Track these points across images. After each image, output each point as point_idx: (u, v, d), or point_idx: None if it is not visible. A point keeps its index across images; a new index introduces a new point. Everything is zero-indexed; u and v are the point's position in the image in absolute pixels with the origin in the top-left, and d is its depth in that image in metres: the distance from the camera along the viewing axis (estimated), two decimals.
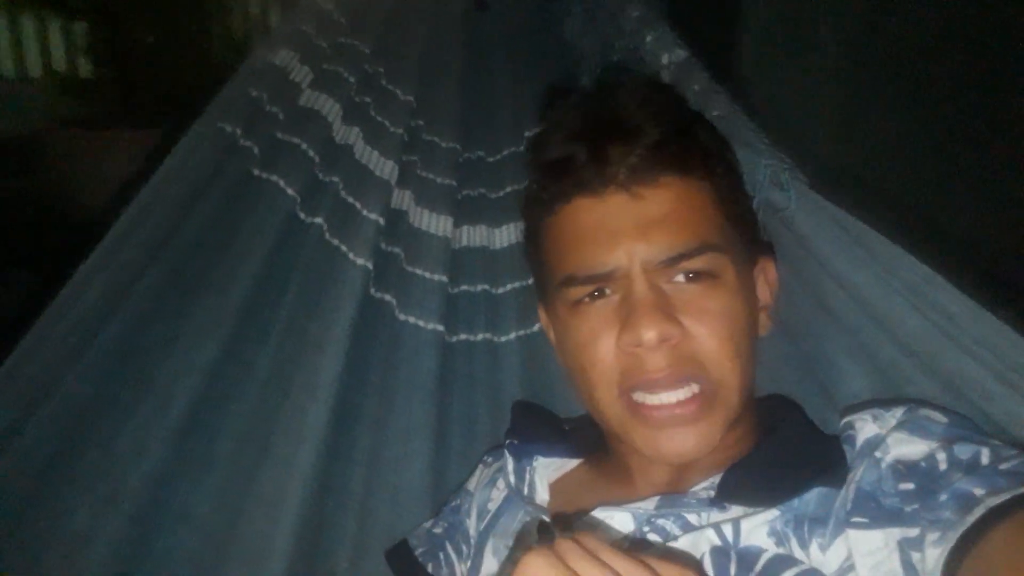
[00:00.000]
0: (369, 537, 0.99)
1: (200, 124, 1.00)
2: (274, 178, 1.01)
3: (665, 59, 1.07)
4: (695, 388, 0.73)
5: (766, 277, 0.83)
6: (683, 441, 0.74)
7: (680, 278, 0.74)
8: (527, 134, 1.18)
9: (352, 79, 1.10)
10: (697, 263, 0.74)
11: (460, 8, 1.24)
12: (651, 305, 0.72)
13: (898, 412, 0.73)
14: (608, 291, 0.75)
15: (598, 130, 0.78)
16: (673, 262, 0.74)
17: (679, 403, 0.73)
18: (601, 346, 0.75)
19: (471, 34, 1.23)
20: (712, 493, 0.74)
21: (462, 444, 1.05)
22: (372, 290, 1.04)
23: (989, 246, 0.93)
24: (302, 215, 1.02)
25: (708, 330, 0.73)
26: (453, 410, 1.06)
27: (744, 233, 0.81)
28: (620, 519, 0.75)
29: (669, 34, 1.09)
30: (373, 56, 1.14)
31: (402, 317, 1.06)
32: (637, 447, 0.76)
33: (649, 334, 0.71)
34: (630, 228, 0.74)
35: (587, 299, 0.76)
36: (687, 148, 0.78)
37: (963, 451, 0.66)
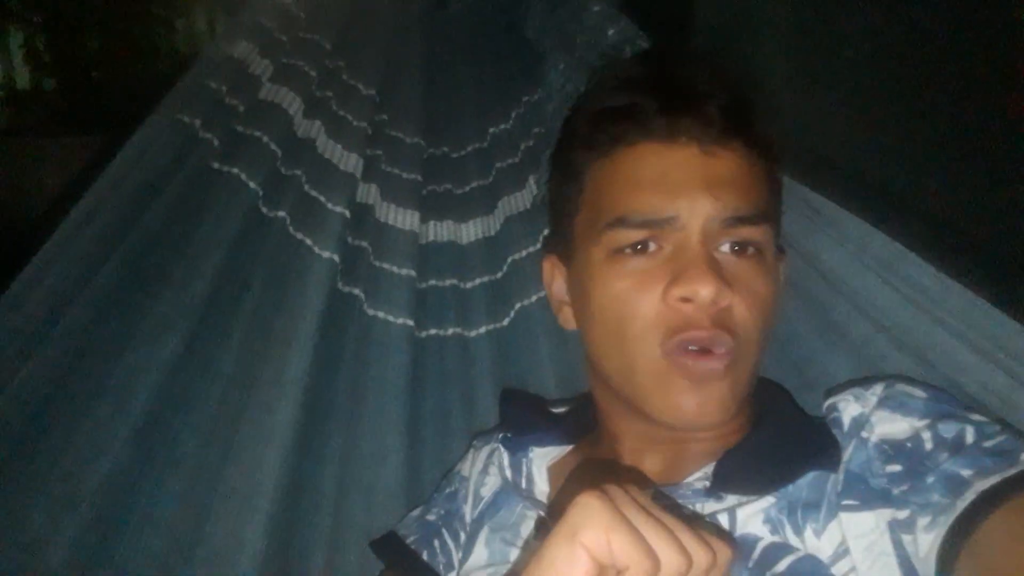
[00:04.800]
0: (344, 535, 0.95)
1: (158, 115, 0.97)
2: (235, 171, 0.98)
3: (628, 52, 1.08)
4: (726, 348, 0.70)
5: (780, 275, 0.81)
6: (707, 401, 0.70)
7: (726, 248, 0.71)
8: (491, 130, 1.18)
9: (313, 73, 1.08)
10: (753, 231, 0.72)
11: (420, 6, 1.23)
12: (709, 263, 0.69)
13: (877, 389, 0.73)
14: (653, 246, 0.72)
15: (669, 84, 0.75)
16: (735, 223, 0.71)
17: (716, 355, 0.69)
18: (646, 300, 0.71)
19: (432, 31, 1.22)
20: (707, 483, 0.72)
21: (436, 440, 1.02)
22: (340, 284, 1.01)
23: (957, 217, 0.95)
24: (264, 209, 1.00)
25: (748, 309, 0.71)
26: (426, 406, 1.03)
27: (779, 221, 0.80)
28: None
29: (631, 27, 1.10)
30: (334, 51, 1.12)
31: (371, 312, 1.03)
32: (656, 409, 0.72)
33: (707, 290, 0.68)
34: (698, 181, 0.71)
35: (629, 250, 0.72)
36: (753, 120, 0.76)
37: (947, 429, 0.66)
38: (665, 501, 0.71)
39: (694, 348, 0.69)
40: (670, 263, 0.71)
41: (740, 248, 0.72)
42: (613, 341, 0.74)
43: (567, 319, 0.83)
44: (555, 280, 0.85)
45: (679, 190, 0.71)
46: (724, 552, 0.52)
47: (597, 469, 0.81)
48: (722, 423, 0.72)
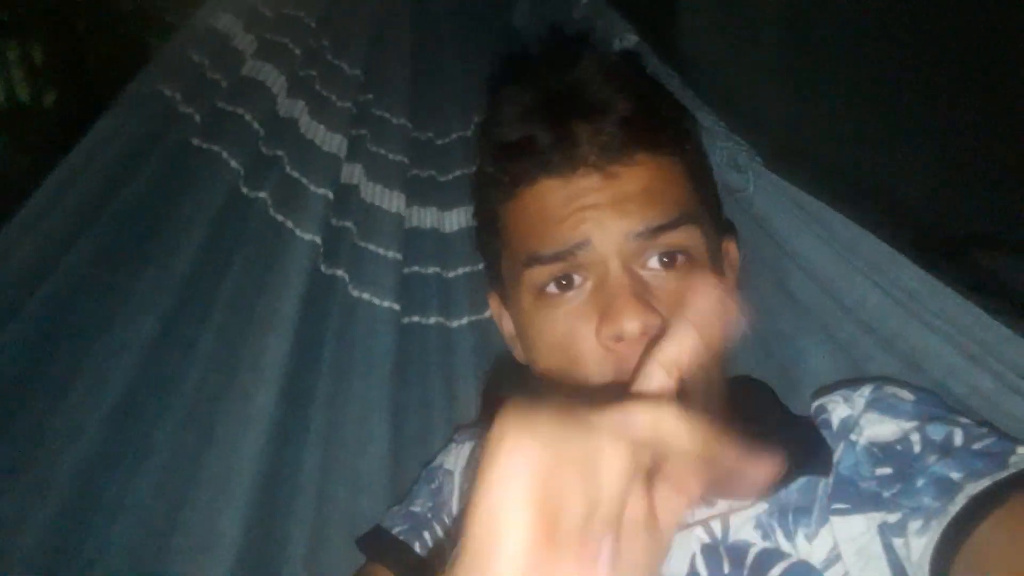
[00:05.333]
0: (328, 523, 0.93)
1: (136, 86, 0.93)
2: (216, 148, 0.95)
3: (616, 44, 1.07)
4: None
5: (729, 259, 0.80)
6: None
7: (655, 262, 0.69)
8: (476, 120, 1.16)
9: (297, 51, 1.05)
10: (676, 237, 0.69)
11: None
12: (630, 291, 0.66)
13: (865, 391, 0.73)
14: (577, 279, 0.69)
15: (561, 106, 0.71)
16: (651, 235, 0.68)
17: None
18: (583, 345, 0.68)
19: (418, 15, 1.20)
20: None
21: (418, 429, 1.01)
22: (323, 266, 0.99)
23: (942, 214, 0.96)
24: (245, 189, 0.97)
25: None
26: (408, 394, 1.01)
27: (712, 210, 0.78)
28: None
29: (619, 19, 1.09)
30: (318, 29, 1.10)
31: (356, 293, 1.01)
32: None
33: (631, 324, 0.64)
34: (604, 203, 0.68)
35: (554, 288, 0.69)
36: (657, 123, 0.73)
37: (936, 431, 0.66)
38: None
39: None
40: (595, 298, 0.68)
41: (669, 258, 0.69)
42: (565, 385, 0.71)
43: (520, 354, 0.81)
44: (503, 316, 0.83)
45: (585, 215, 0.68)
46: (664, 410, 0.42)
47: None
48: None
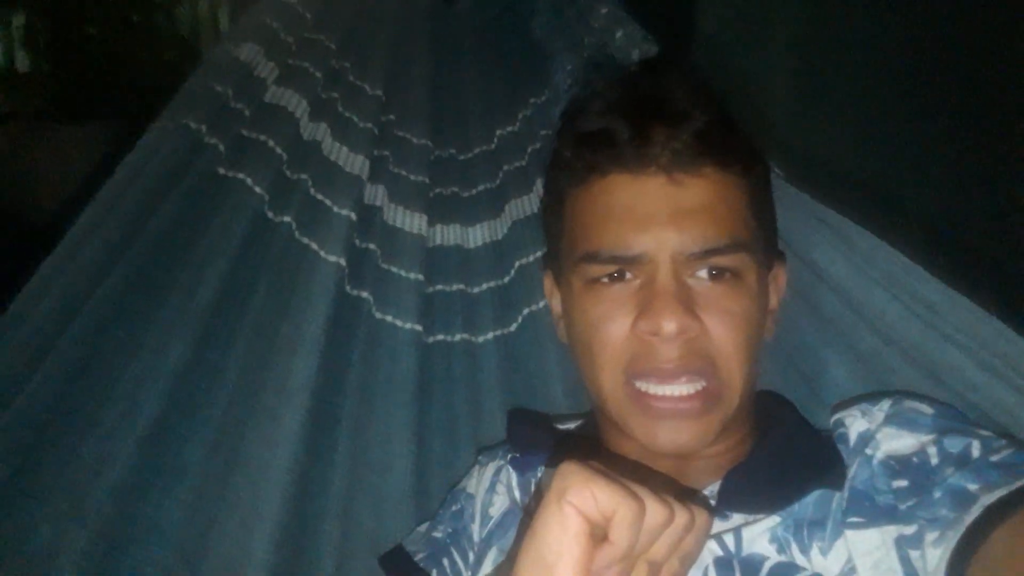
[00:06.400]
0: (353, 543, 0.95)
1: (163, 120, 0.96)
2: (241, 176, 0.98)
3: (635, 55, 1.07)
4: (700, 384, 0.71)
5: (777, 284, 0.82)
6: (680, 434, 0.72)
7: (704, 274, 0.72)
8: (498, 132, 1.18)
9: (319, 75, 1.08)
10: (725, 260, 0.72)
11: (426, 4, 1.22)
12: (674, 296, 0.70)
13: (885, 405, 0.73)
14: (628, 275, 0.73)
15: (644, 108, 0.75)
16: (703, 256, 0.71)
17: (683, 397, 0.71)
18: (614, 328, 0.73)
19: (439, 31, 1.22)
20: (712, 502, 0.73)
21: (443, 448, 1.02)
22: (348, 287, 1.01)
23: (963, 227, 0.94)
24: (270, 214, 0.99)
25: (725, 331, 0.71)
26: (433, 413, 1.03)
27: (767, 236, 0.80)
28: None
29: (638, 30, 1.09)
30: (339, 51, 1.12)
31: (379, 315, 1.03)
32: (634, 435, 0.74)
33: (670, 325, 0.69)
34: (664, 215, 0.72)
35: (605, 279, 0.74)
36: (730, 141, 0.76)
37: (953, 444, 0.66)
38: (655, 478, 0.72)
39: (655, 391, 0.72)
40: (641, 293, 0.72)
41: (717, 273, 0.73)
42: (588, 366, 0.77)
43: (562, 334, 0.85)
44: (554, 295, 0.87)
45: (646, 226, 0.72)
46: (703, 516, 0.55)
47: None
48: (701, 449, 0.74)
